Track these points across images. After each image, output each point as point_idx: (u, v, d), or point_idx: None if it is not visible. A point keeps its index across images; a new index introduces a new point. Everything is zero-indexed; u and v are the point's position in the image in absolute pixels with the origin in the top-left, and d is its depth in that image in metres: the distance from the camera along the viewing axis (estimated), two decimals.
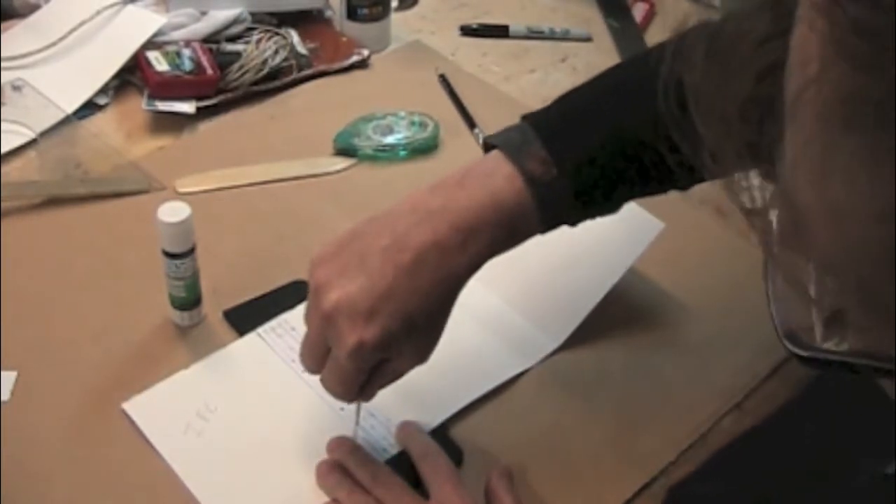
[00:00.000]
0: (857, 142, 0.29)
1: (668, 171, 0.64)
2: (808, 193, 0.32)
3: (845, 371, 0.35)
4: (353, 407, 0.77)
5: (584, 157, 0.68)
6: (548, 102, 0.73)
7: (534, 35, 1.27)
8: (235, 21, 1.16)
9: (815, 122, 0.31)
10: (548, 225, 0.69)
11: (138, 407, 0.77)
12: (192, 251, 0.79)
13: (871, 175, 0.29)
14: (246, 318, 0.84)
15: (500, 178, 0.67)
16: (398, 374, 0.70)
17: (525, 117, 0.71)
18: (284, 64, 1.14)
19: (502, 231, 0.67)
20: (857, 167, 0.29)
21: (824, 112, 0.30)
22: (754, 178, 0.36)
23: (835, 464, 0.68)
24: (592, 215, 0.72)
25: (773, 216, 0.35)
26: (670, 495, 0.73)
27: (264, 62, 1.12)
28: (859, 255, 0.31)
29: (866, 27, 0.28)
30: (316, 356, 0.68)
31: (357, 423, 0.75)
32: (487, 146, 0.71)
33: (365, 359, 0.66)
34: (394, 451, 0.75)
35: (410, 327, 0.65)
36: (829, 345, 0.36)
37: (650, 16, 1.32)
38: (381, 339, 0.64)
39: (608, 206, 0.72)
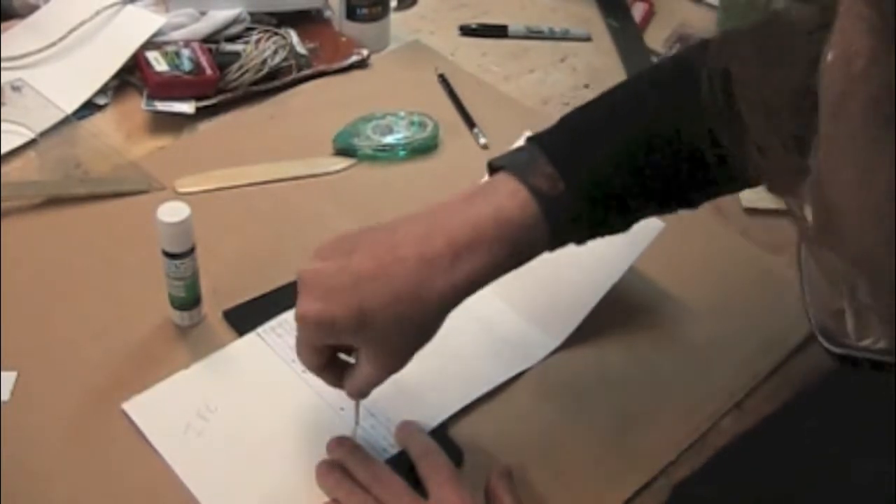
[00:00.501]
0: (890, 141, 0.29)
1: (679, 187, 0.63)
2: (847, 190, 0.31)
3: (876, 369, 0.35)
4: (352, 406, 0.77)
5: (590, 172, 0.67)
6: (547, 102, 0.74)
7: (533, 35, 1.27)
8: (235, 21, 1.16)
9: (861, 117, 0.30)
10: (555, 242, 0.68)
11: (138, 407, 0.77)
12: (191, 251, 0.79)
13: None
14: (246, 317, 0.84)
15: (504, 193, 0.66)
16: (365, 380, 0.69)
17: (530, 139, 0.70)
18: (284, 64, 1.14)
19: (502, 248, 0.65)
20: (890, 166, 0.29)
21: (871, 107, 0.30)
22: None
23: (837, 463, 0.68)
24: (601, 233, 0.71)
25: (808, 211, 0.35)
26: (674, 495, 0.73)
27: (264, 62, 1.12)
28: (891, 250, 0.30)
29: None
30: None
31: (357, 422, 0.75)
32: (493, 168, 0.70)
33: (309, 333, 0.66)
34: (393, 450, 0.75)
35: (360, 324, 0.63)
36: (866, 342, 0.35)
37: (649, 15, 1.32)
38: (322, 320, 0.64)
39: (618, 223, 0.70)
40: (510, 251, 0.65)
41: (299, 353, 0.70)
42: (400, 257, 0.64)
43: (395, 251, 0.64)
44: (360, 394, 0.71)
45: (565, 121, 0.71)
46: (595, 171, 0.67)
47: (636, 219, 0.72)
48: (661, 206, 0.72)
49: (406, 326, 0.65)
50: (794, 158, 0.35)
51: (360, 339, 0.66)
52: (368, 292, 0.63)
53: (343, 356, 0.71)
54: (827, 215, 0.33)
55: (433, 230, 0.65)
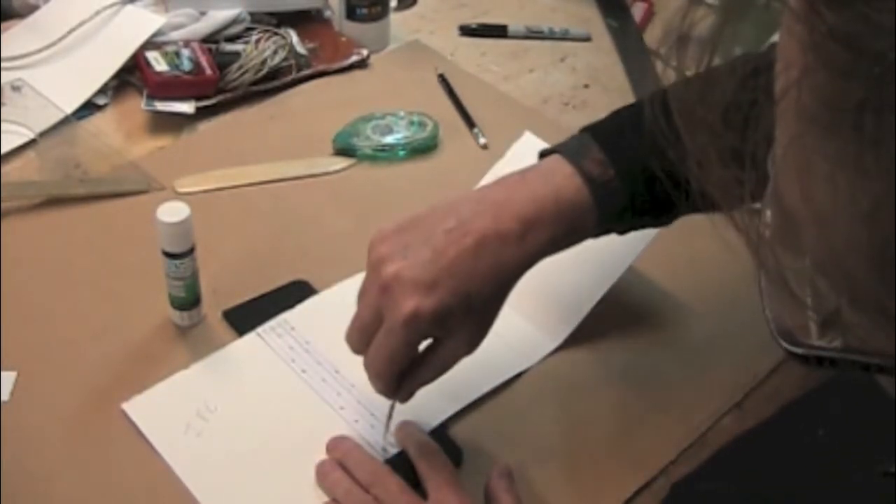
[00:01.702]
0: (837, 146, 0.30)
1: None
2: (793, 195, 0.32)
3: (839, 368, 0.36)
4: (353, 406, 0.78)
5: (636, 162, 0.69)
6: (547, 102, 0.74)
7: (533, 35, 1.27)
8: (234, 21, 1.16)
9: (797, 126, 0.31)
10: (602, 227, 0.71)
11: (138, 407, 0.77)
12: (191, 251, 0.79)
13: (852, 179, 0.30)
14: (245, 317, 0.84)
15: (560, 176, 0.69)
16: (446, 365, 0.70)
17: (582, 129, 0.73)
18: (284, 64, 1.14)
19: (561, 226, 0.68)
20: (838, 171, 0.30)
21: (805, 117, 0.31)
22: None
23: (837, 462, 0.68)
24: (644, 224, 0.74)
25: (768, 216, 0.36)
26: (673, 492, 0.73)
27: (263, 62, 1.12)
28: (845, 255, 0.31)
29: (844, 34, 0.29)
30: (365, 331, 0.68)
31: (387, 427, 0.74)
32: (543, 154, 0.73)
33: (419, 330, 0.66)
34: (393, 450, 0.75)
35: (468, 307, 0.66)
36: (822, 342, 0.36)
37: (649, 15, 1.32)
38: (439, 311, 0.65)
39: (662, 216, 0.73)
40: (567, 230, 0.69)
41: (389, 361, 0.68)
42: (481, 239, 0.67)
43: (474, 233, 0.67)
44: (412, 394, 0.72)
45: (616, 113, 0.74)
46: (641, 161, 0.69)
47: (680, 212, 0.74)
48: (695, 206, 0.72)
49: (495, 300, 0.69)
50: (731, 171, 0.36)
51: (462, 323, 0.67)
52: (465, 276, 0.66)
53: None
54: (784, 220, 0.34)
55: (501, 209, 0.68)
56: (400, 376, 0.69)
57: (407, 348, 0.67)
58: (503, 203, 0.68)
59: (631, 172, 0.69)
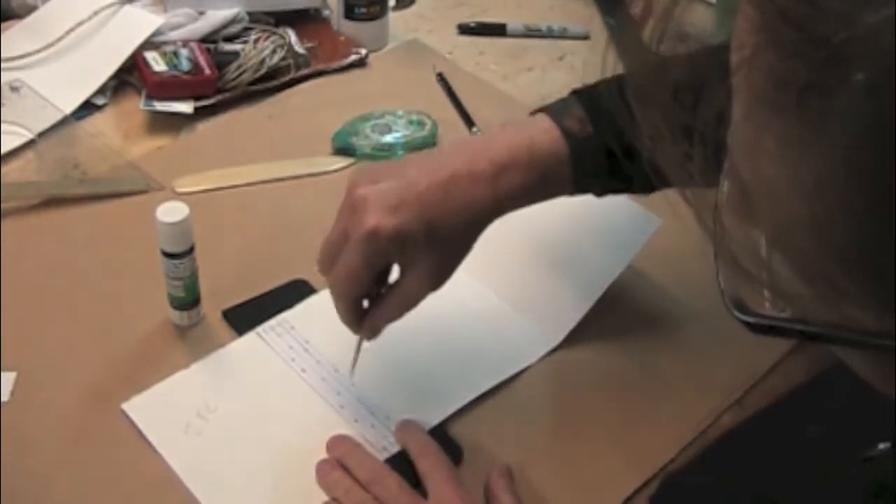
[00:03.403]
0: (784, 125, 0.31)
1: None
2: (746, 171, 0.34)
3: (788, 336, 0.37)
4: (353, 405, 0.78)
5: (617, 125, 0.70)
6: (546, 100, 0.75)
7: (531, 33, 1.27)
8: (233, 21, 1.16)
9: (747, 104, 0.33)
10: (579, 183, 0.73)
11: (138, 407, 0.77)
12: (190, 251, 0.79)
13: (797, 157, 0.31)
14: (245, 317, 0.84)
15: (539, 129, 0.72)
16: (409, 299, 0.71)
17: (572, 91, 0.75)
18: (282, 63, 1.14)
19: (534, 174, 0.70)
20: (784, 149, 0.31)
21: (755, 95, 0.32)
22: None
23: (827, 456, 0.68)
24: (623, 188, 0.75)
25: (725, 190, 0.37)
26: (662, 487, 0.73)
27: (262, 62, 1.12)
28: (792, 229, 0.33)
29: (793, 16, 0.30)
30: (331, 250, 0.70)
31: (353, 366, 0.76)
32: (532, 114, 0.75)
33: (378, 248, 0.67)
34: (394, 449, 0.75)
35: (431, 236, 0.68)
36: (773, 312, 0.37)
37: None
38: (399, 231, 0.66)
39: (638, 182, 0.74)
40: (540, 178, 0.71)
41: (348, 280, 0.69)
42: (453, 174, 0.69)
43: (447, 170, 0.69)
44: (378, 330, 0.73)
45: (605, 79, 0.74)
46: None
47: (657, 184, 0.73)
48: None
49: (462, 237, 0.70)
50: (681, 147, 0.37)
51: (424, 252, 0.68)
52: (432, 206, 0.68)
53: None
54: (740, 194, 0.35)
55: (475, 153, 0.70)
56: (361, 305, 0.71)
57: (366, 267, 0.68)
58: (479, 147, 0.71)
59: (610, 131, 0.71)
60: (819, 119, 0.30)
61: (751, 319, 0.37)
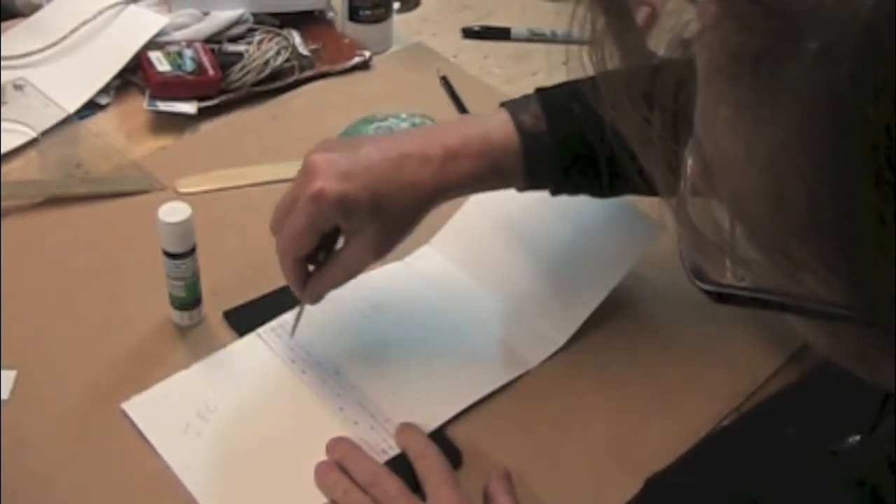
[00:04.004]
0: (739, 95, 0.32)
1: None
2: (705, 140, 0.35)
3: (745, 305, 0.38)
4: (353, 407, 0.78)
5: (573, 124, 0.74)
6: None
7: (535, 37, 1.28)
8: (237, 22, 1.16)
9: (706, 74, 0.34)
10: (531, 178, 0.75)
11: (138, 407, 0.77)
12: (192, 251, 0.79)
13: (751, 127, 0.32)
14: (246, 318, 0.84)
15: (495, 121, 0.75)
16: (350, 266, 0.74)
17: (537, 88, 0.77)
18: (286, 65, 1.14)
19: (484, 163, 0.73)
20: (739, 119, 0.32)
21: (713, 65, 0.33)
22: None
23: (809, 454, 0.68)
24: (577, 189, 0.77)
25: (689, 163, 0.38)
26: (648, 486, 0.72)
27: (266, 63, 1.12)
28: (748, 199, 0.33)
29: None
30: (281, 212, 0.73)
31: (293, 329, 0.79)
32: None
33: (321, 210, 0.69)
34: (393, 452, 0.75)
35: (375, 207, 0.70)
36: (733, 281, 0.38)
37: (652, 19, 1.31)
38: (343, 197, 0.69)
39: (595, 185, 0.76)
40: (490, 168, 0.73)
41: (292, 239, 0.72)
42: (405, 154, 0.72)
43: (400, 149, 0.72)
44: (321, 295, 0.76)
45: (571, 80, 0.78)
46: (575, 124, 0.74)
47: (613, 188, 0.77)
48: (638, 188, 0.75)
49: (406, 214, 0.73)
50: (640, 112, 0.39)
51: (368, 222, 0.71)
52: (381, 178, 0.71)
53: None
54: (702, 165, 0.36)
55: (431, 137, 0.73)
56: (305, 267, 0.74)
57: (310, 228, 0.71)
58: (436, 132, 0.75)
59: (562, 129, 0.74)
60: (772, 88, 0.30)
61: (709, 288, 0.38)
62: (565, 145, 0.74)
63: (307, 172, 0.71)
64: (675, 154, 0.38)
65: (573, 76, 0.44)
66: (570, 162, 0.75)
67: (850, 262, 0.32)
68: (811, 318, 0.37)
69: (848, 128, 0.29)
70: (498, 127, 0.74)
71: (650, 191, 0.77)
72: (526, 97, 0.77)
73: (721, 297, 0.38)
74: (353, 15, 1.20)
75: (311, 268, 0.75)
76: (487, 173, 0.73)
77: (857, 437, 0.59)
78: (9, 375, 0.78)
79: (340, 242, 0.75)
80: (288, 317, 0.84)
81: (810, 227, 0.32)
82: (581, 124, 0.73)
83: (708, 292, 0.38)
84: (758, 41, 0.31)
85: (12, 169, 0.99)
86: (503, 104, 0.77)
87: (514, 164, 0.74)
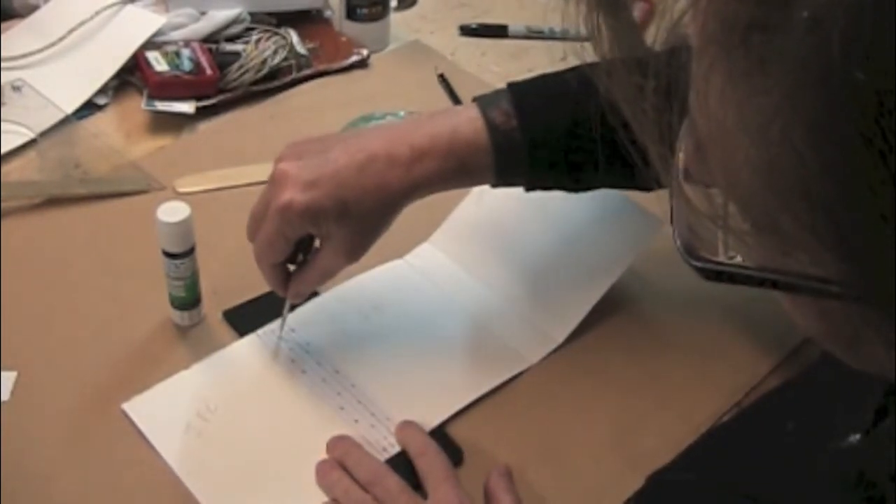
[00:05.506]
0: (730, 64, 0.32)
1: (622, 163, 0.66)
2: (698, 111, 0.35)
3: (737, 282, 0.38)
4: (353, 406, 0.78)
5: (544, 120, 0.74)
6: None
7: (533, 35, 1.28)
8: (235, 21, 1.16)
9: (699, 45, 0.34)
10: (501, 175, 0.75)
11: (138, 407, 0.77)
12: (191, 251, 0.79)
13: (742, 96, 0.32)
14: (246, 318, 0.84)
15: (464, 117, 0.74)
16: (325, 269, 0.75)
17: (508, 84, 0.77)
18: (284, 64, 1.14)
19: (452, 161, 0.72)
20: (730, 88, 0.32)
21: (706, 36, 0.33)
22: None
23: (808, 451, 0.68)
24: (549, 185, 0.77)
25: (684, 145, 0.38)
26: (649, 483, 0.73)
27: (264, 62, 1.12)
28: (739, 171, 0.33)
29: None
30: (255, 220, 0.74)
31: (281, 325, 0.80)
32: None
33: (291, 221, 0.71)
34: (394, 450, 0.75)
35: (343, 212, 0.71)
36: (724, 258, 0.38)
37: (649, 15, 1.31)
38: (311, 207, 0.70)
39: (563, 178, 0.76)
40: (459, 166, 0.73)
41: (266, 247, 0.74)
42: (371, 156, 0.71)
43: (367, 151, 0.72)
44: (303, 294, 0.78)
45: (542, 76, 0.78)
46: (546, 120, 0.74)
47: (585, 183, 0.77)
48: (615, 180, 0.77)
49: (375, 216, 0.73)
50: (634, 79, 0.40)
51: (337, 227, 0.72)
52: (349, 184, 0.71)
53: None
54: (696, 140, 0.36)
55: (398, 137, 0.73)
56: (282, 270, 0.76)
57: (281, 237, 0.72)
58: (403, 131, 0.73)
59: (532, 126, 0.73)
60: (764, 57, 0.30)
61: (700, 264, 0.38)
62: (535, 142, 0.74)
63: (275, 182, 0.71)
64: (669, 125, 0.38)
65: None
66: (541, 158, 0.74)
67: (842, 235, 0.31)
68: (802, 296, 0.37)
69: (838, 94, 0.29)
70: (467, 124, 0.73)
71: (623, 183, 0.78)
72: (497, 92, 0.76)
73: (713, 275, 0.38)
74: (351, 13, 1.20)
75: (292, 267, 0.77)
76: (456, 171, 0.73)
77: (857, 436, 0.59)
78: (9, 376, 0.78)
79: (318, 242, 0.75)
80: (288, 317, 0.84)
81: (802, 198, 0.31)
82: (549, 114, 0.74)
83: (700, 269, 0.38)
84: (749, 11, 0.31)
85: (11, 170, 0.99)
86: (475, 99, 0.76)
87: (483, 161, 0.73)
